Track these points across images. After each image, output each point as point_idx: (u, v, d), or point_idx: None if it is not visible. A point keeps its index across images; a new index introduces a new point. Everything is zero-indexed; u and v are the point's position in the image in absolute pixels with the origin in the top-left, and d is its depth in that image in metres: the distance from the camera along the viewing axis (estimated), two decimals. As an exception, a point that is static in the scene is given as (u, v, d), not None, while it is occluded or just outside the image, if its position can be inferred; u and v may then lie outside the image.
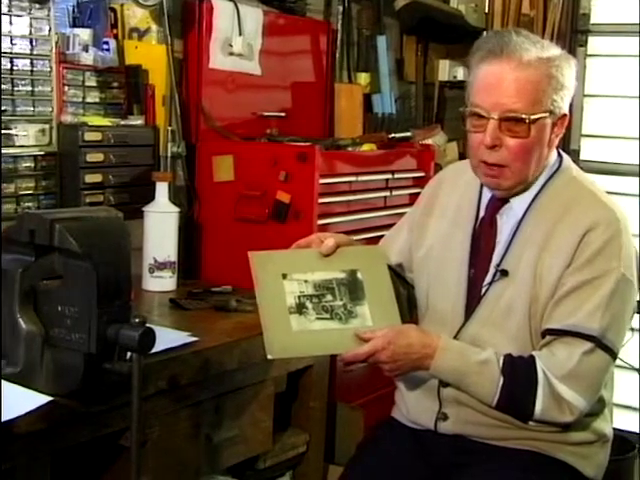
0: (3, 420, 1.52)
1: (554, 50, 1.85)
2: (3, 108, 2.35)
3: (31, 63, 2.43)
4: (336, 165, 2.88)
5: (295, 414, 2.63)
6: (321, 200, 2.76)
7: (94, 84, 2.61)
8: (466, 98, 1.88)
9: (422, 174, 3.19)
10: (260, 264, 1.83)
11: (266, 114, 3.15)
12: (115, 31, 2.68)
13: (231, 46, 2.97)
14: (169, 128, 2.80)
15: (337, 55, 3.55)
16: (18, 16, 2.38)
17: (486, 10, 3.81)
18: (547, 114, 1.82)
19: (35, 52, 2.44)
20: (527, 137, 1.81)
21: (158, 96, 2.76)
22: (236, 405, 2.24)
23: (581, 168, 2.02)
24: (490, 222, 1.94)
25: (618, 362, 1.92)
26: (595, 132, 3.85)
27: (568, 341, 1.79)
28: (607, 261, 1.80)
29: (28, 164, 2.45)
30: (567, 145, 3.63)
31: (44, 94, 2.47)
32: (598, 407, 1.90)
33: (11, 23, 2.37)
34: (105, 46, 2.62)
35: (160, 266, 2.63)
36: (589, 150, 3.83)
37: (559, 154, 1.96)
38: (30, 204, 2.47)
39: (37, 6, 2.42)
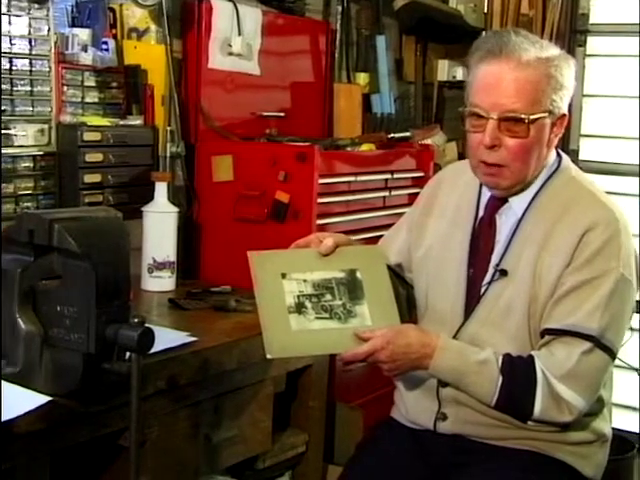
0: (3, 420, 1.52)
1: (553, 50, 1.85)
2: (2, 108, 2.35)
3: (30, 63, 2.43)
4: (335, 165, 2.88)
5: (294, 414, 2.62)
6: (320, 200, 2.76)
7: (93, 84, 2.61)
8: (465, 98, 1.89)
9: (421, 174, 3.19)
10: (259, 264, 1.83)
11: (265, 114, 3.15)
12: (114, 31, 2.68)
13: (230, 46, 2.97)
14: (168, 128, 2.80)
15: (336, 55, 3.54)
16: (17, 16, 2.38)
17: (485, 10, 3.80)
18: (546, 114, 1.82)
19: (34, 52, 2.43)
20: (526, 137, 1.81)
21: (157, 96, 2.76)
22: (235, 405, 2.24)
23: (580, 168, 2.02)
24: (489, 222, 1.93)
25: (617, 362, 1.92)
26: (594, 132, 3.84)
27: (567, 341, 1.79)
28: (606, 261, 1.80)
29: (27, 164, 2.45)
30: (566, 145, 3.63)
31: (43, 94, 2.47)
32: (597, 407, 1.90)
33: (10, 23, 2.37)
34: (104, 46, 2.62)
35: (159, 266, 2.63)
36: (588, 150, 3.83)
37: (558, 154, 1.96)
38: (29, 204, 2.47)
39: (36, 6, 2.42)
